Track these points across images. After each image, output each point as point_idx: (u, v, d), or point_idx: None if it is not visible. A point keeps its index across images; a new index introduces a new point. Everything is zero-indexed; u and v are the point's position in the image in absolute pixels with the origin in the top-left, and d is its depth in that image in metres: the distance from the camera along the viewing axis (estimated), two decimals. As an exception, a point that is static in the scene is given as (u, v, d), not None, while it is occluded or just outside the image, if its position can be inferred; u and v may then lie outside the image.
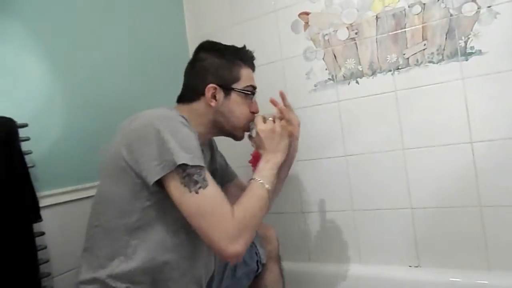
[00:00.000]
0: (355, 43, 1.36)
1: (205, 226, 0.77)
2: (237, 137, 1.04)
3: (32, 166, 1.02)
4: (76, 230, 1.15)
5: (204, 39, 1.07)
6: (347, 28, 1.37)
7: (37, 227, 1.00)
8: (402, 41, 1.29)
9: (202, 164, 0.81)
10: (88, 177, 1.21)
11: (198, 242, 0.86)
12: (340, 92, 1.40)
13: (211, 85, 0.96)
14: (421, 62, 1.26)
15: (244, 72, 1.01)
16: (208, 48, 1.03)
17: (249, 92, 1.01)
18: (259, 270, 1.14)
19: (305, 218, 1.50)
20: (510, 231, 1.15)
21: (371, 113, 1.35)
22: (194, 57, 1.04)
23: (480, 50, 1.17)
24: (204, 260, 0.93)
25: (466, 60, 1.19)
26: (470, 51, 1.18)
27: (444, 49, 1.23)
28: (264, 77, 1.57)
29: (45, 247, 1.03)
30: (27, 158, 1.00)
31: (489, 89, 1.16)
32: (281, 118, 1.03)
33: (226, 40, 1.70)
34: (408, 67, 1.28)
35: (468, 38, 1.19)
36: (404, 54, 1.29)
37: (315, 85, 1.45)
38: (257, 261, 1.12)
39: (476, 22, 1.17)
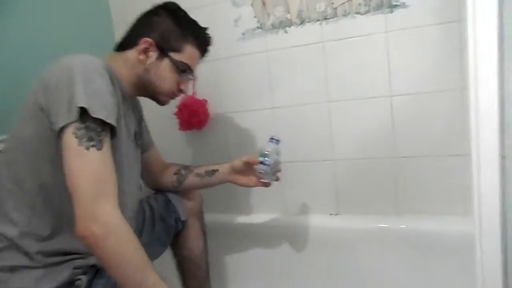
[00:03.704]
0: (284, -12, 1.29)
1: (80, 186, 0.68)
2: (160, 101, 1.01)
3: None
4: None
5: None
6: (277, -29, 1.29)
7: None
8: (331, -11, 1.24)
9: (111, 123, 0.73)
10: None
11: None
12: (268, 42, 1.35)
13: (148, 39, 0.91)
14: (349, 13, 1.23)
15: (189, 50, 0.97)
16: (170, 9, 0.98)
17: (182, 68, 0.96)
18: (180, 227, 1.12)
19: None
20: (419, 179, 1.24)
21: (299, 64, 1.32)
22: (152, 10, 0.99)
23: (404, 3, 1.16)
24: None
25: (391, 12, 1.18)
26: (395, 3, 1.17)
27: (371, 0, 1.21)
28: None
29: None
30: None
31: (409, 43, 1.18)
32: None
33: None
34: (336, 18, 1.25)
35: (394, -10, 1.17)
36: (332, 3, 1.24)
37: (243, 33, 1.37)
38: (176, 218, 1.10)
39: (402, -27, 1.16)
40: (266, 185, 1.08)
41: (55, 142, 0.73)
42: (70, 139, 0.69)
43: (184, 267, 1.17)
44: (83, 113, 0.70)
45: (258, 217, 1.44)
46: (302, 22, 1.29)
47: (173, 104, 1.42)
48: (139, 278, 0.69)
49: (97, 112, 0.71)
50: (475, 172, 0.64)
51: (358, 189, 1.32)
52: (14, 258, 0.76)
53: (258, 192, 1.44)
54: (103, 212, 0.68)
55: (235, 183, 1.11)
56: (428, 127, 1.20)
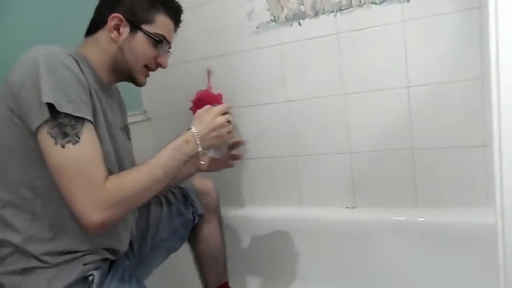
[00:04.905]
0: (298, -20, 1.28)
1: (67, 186, 0.69)
2: (138, 82, 0.94)
3: None
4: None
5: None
6: (290, -37, 1.28)
7: None
8: (346, -21, 1.22)
9: (84, 116, 0.71)
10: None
11: None
12: (282, 35, 1.34)
13: (117, 14, 0.85)
14: (364, 3, 1.21)
15: (161, 19, 0.90)
16: None
17: (158, 39, 0.89)
18: (196, 221, 1.13)
19: (248, 164, 1.49)
20: (437, 171, 1.21)
21: (313, 57, 1.31)
22: None
23: (422, -9, 1.14)
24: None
25: (408, 1, 1.16)
26: (412, -9, 1.15)
27: (387, -11, 1.18)
28: (203, 18, 1.46)
29: None
30: None
31: (427, 32, 1.15)
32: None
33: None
34: (351, 8, 1.23)
35: (411, -23, 1.15)
36: (347, -7, 1.23)
37: (257, 27, 1.37)
38: (193, 212, 1.11)
39: (418, -40, 1.13)
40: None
41: (38, 144, 0.71)
42: (46, 140, 0.69)
43: (202, 260, 1.18)
44: (54, 108, 0.68)
45: (274, 211, 1.45)
46: (316, 14, 1.28)
47: (188, 98, 1.43)
48: (156, 179, 0.78)
49: (64, 106, 0.69)
50: (497, 163, 0.63)
51: (375, 182, 1.30)
52: (22, 261, 0.75)
53: (273, 185, 1.45)
54: (100, 199, 0.70)
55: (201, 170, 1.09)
56: (446, 118, 1.17)
